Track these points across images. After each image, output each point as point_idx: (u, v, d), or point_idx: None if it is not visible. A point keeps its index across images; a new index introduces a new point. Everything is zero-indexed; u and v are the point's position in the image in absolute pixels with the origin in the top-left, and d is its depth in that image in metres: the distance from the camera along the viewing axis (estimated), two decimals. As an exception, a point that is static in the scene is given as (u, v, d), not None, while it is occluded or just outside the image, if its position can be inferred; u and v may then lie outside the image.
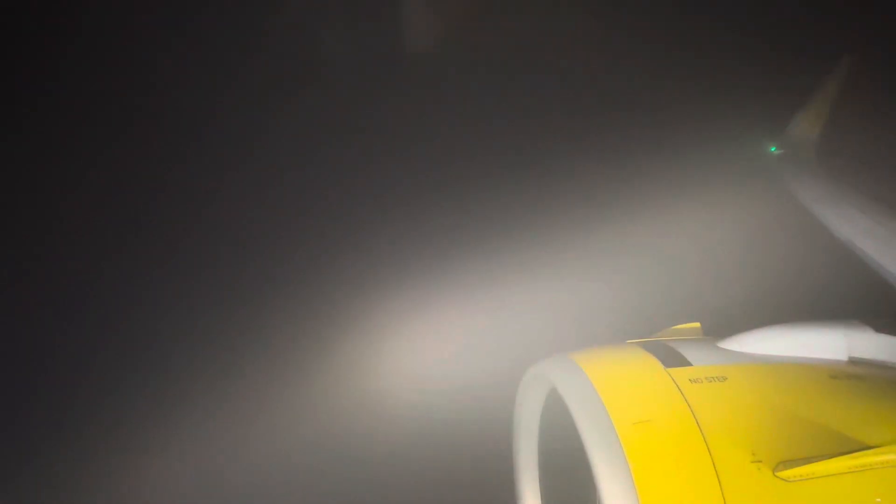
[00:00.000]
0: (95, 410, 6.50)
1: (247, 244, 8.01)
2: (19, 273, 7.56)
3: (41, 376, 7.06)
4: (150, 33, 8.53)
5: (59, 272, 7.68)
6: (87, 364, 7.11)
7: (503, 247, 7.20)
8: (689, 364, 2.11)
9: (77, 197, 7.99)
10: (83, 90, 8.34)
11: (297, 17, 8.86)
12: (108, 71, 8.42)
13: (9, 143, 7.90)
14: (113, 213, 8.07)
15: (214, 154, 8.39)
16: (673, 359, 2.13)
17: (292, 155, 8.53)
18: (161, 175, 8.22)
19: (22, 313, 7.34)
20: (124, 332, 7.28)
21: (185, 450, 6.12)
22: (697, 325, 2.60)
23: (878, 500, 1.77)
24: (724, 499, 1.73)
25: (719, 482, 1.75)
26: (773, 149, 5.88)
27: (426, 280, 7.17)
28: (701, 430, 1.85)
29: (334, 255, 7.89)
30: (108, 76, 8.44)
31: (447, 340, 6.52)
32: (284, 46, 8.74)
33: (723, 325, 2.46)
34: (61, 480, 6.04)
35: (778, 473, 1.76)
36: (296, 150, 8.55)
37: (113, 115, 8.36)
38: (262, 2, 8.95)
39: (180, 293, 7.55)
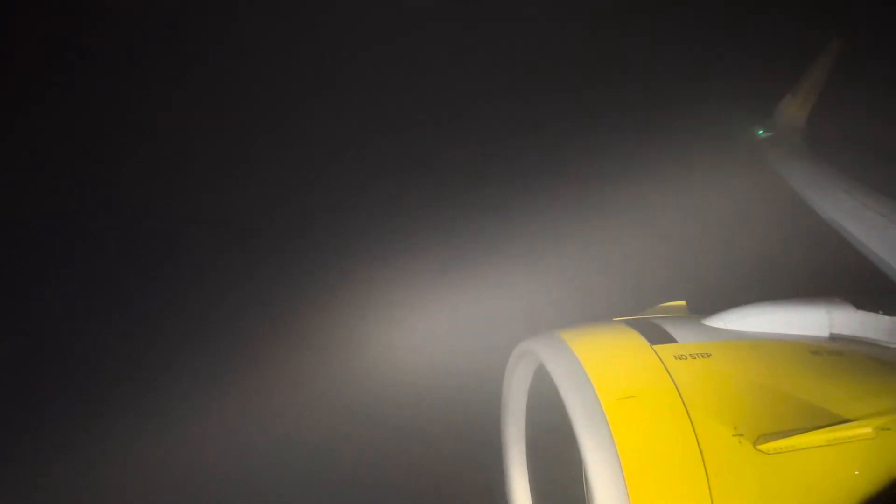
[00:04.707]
0: (93, 409, 6.50)
1: (235, 239, 7.98)
2: (20, 272, 7.52)
3: (40, 375, 7.04)
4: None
5: (57, 271, 7.64)
6: (84, 363, 7.10)
7: (492, 227, 7.22)
8: (674, 341, 2.14)
9: (79, 197, 7.94)
10: (85, 91, 8.25)
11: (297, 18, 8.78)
12: (110, 71, 8.32)
13: (11, 143, 7.82)
14: (114, 211, 8.03)
15: (211, 154, 8.33)
16: (659, 336, 2.16)
17: (284, 154, 8.50)
18: (159, 175, 8.17)
19: (23, 312, 7.31)
20: (122, 331, 7.28)
21: (176, 445, 6.14)
22: (683, 303, 2.63)
23: (857, 472, 1.82)
24: (706, 471, 1.77)
25: (702, 455, 1.79)
26: (760, 132, 5.92)
27: (415, 261, 7.18)
28: (685, 405, 1.89)
29: (322, 239, 7.88)
30: (109, 76, 8.34)
31: (437, 318, 6.56)
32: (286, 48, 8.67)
33: (708, 303, 2.49)
34: (60, 479, 6.03)
35: (759, 446, 1.80)
36: (287, 149, 8.52)
37: (117, 114, 8.28)
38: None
39: (174, 292, 7.56)
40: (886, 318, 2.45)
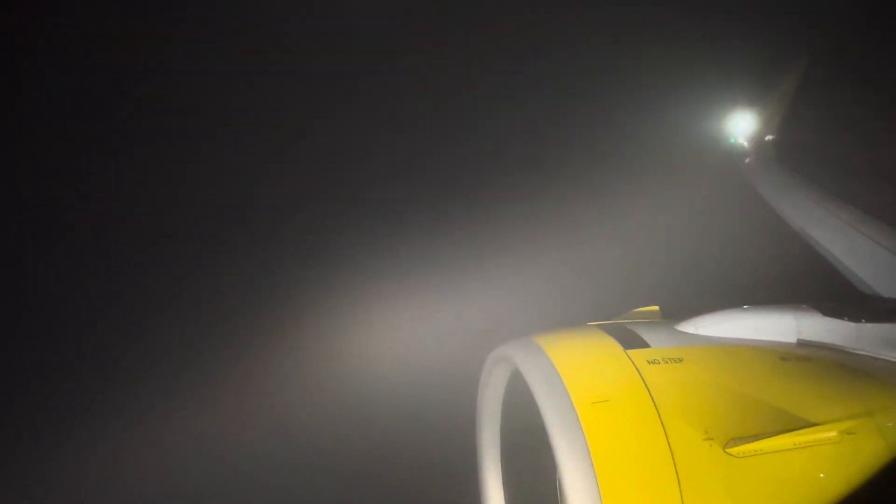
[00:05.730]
0: (92, 408, 6.44)
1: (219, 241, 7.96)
2: (21, 273, 7.41)
3: (40, 375, 6.95)
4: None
5: (57, 271, 7.55)
6: (83, 362, 7.02)
7: (469, 233, 7.24)
8: (647, 346, 2.17)
9: (79, 198, 7.85)
10: (88, 92, 8.14)
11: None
12: (113, 71, 8.22)
13: (12, 144, 7.70)
14: (115, 211, 7.97)
15: (209, 155, 8.29)
16: (632, 341, 2.18)
17: (279, 155, 8.48)
18: (159, 176, 8.12)
19: (22, 313, 7.21)
20: (119, 330, 7.22)
21: (166, 442, 6.11)
22: (656, 308, 2.66)
23: (822, 475, 1.86)
24: (677, 475, 1.80)
25: (673, 459, 1.82)
26: (732, 141, 6.03)
27: (393, 266, 7.17)
28: (657, 410, 1.91)
29: (300, 243, 7.85)
30: (112, 77, 8.25)
31: (411, 324, 6.54)
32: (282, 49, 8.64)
33: (681, 309, 2.52)
34: (60, 478, 5.95)
35: (728, 450, 1.83)
36: (280, 151, 8.50)
37: (117, 115, 8.20)
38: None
39: (173, 291, 7.52)
40: (852, 324, 2.51)
